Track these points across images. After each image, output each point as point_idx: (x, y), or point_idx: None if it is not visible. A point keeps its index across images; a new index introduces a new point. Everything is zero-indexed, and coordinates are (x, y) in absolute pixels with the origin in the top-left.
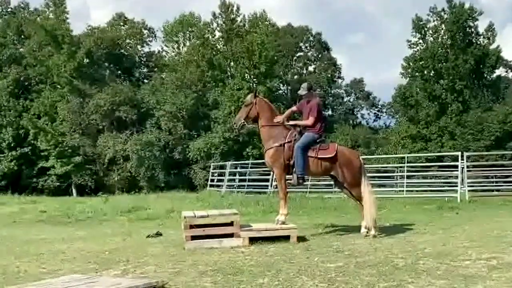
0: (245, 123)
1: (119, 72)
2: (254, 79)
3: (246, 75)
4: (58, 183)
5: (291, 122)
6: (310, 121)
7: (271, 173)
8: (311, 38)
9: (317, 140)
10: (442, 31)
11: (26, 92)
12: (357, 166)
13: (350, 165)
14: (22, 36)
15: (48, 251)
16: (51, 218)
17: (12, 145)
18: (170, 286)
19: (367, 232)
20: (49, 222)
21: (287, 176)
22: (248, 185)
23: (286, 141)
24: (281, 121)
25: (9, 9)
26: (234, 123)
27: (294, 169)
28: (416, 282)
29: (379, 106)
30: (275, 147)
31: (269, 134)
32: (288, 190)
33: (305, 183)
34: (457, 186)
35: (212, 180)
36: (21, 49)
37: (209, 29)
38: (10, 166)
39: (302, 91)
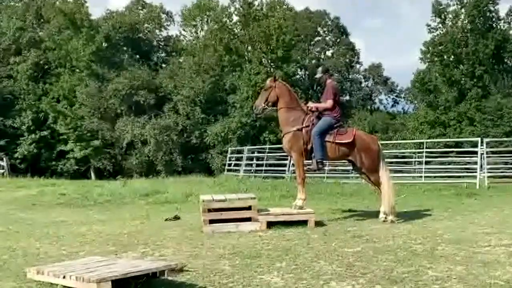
0: (266, 107)
1: (137, 56)
2: (272, 64)
3: (263, 59)
4: (76, 167)
5: (311, 105)
6: (329, 103)
7: (289, 158)
8: (329, 23)
9: (335, 125)
10: (462, 15)
11: (45, 75)
12: (375, 151)
13: (368, 150)
14: (42, 20)
15: (67, 233)
16: (70, 201)
17: (31, 128)
18: (188, 268)
19: (385, 218)
20: (68, 205)
21: (306, 162)
22: (265, 170)
23: (304, 125)
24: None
25: None
26: (254, 108)
27: (313, 154)
28: (435, 267)
29: (397, 92)
30: (293, 132)
31: (287, 118)
32: (306, 175)
33: (324, 168)
34: (476, 172)
35: (230, 165)
36: (40, 33)
37: (226, 13)
38: (29, 149)
39: (318, 74)
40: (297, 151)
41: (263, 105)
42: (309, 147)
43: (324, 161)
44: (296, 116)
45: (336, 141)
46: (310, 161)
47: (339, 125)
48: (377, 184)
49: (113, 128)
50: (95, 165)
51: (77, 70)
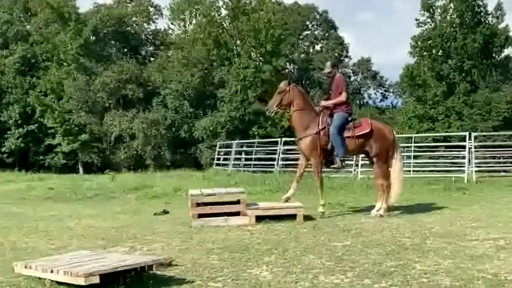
0: (278, 110)
1: (126, 50)
2: (261, 58)
3: (252, 53)
4: (65, 161)
5: (324, 103)
6: (343, 96)
7: (277, 152)
8: (317, 17)
9: (349, 118)
10: (451, 10)
11: (33, 69)
12: (390, 141)
13: (384, 140)
14: (29, 13)
15: (56, 228)
16: (59, 195)
17: (19, 122)
18: (177, 263)
19: (377, 211)
20: (57, 199)
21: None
22: (254, 164)
23: (321, 127)
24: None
25: None
26: (267, 109)
27: (335, 152)
28: (423, 261)
29: (386, 86)
30: (311, 136)
31: (302, 122)
32: (294, 169)
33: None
34: (464, 166)
35: (218, 159)
36: (27, 26)
37: (215, 7)
38: (17, 144)
39: (326, 69)
40: (316, 155)
41: (276, 108)
42: (329, 147)
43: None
44: (310, 119)
45: (356, 134)
46: (334, 160)
47: (352, 118)
48: (383, 177)
49: (101, 122)
50: (83, 159)
51: (65, 63)
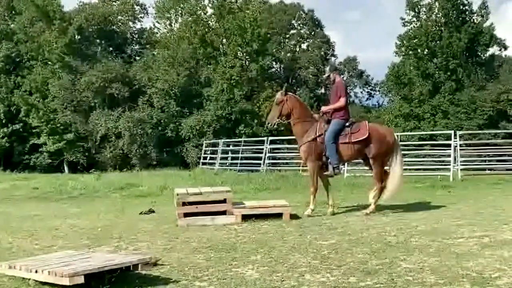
0: (279, 121)
1: (111, 49)
2: (247, 57)
3: (238, 52)
4: (50, 160)
5: (324, 109)
6: (342, 101)
7: (264, 151)
8: (303, 16)
9: (346, 124)
10: (436, 8)
11: (18, 68)
12: (390, 144)
13: (383, 142)
14: (13, 12)
15: (41, 227)
16: (44, 195)
17: (3, 121)
18: (163, 262)
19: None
20: (42, 198)
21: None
22: (240, 163)
23: (317, 134)
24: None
25: None
26: (268, 123)
27: (329, 160)
28: (409, 259)
29: (373, 85)
30: (307, 143)
31: (302, 130)
32: (281, 168)
33: (340, 172)
34: (449, 164)
35: (205, 158)
36: (12, 25)
37: (200, 5)
38: (1, 143)
39: (326, 73)
40: (313, 161)
41: (277, 119)
42: (326, 153)
43: (340, 165)
44: (310, 127)
45: (352, 140)
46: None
47: (350, 123)
48: (377, 179)
49: (86, 121)
50: (68, 159)
51: (50, 62)
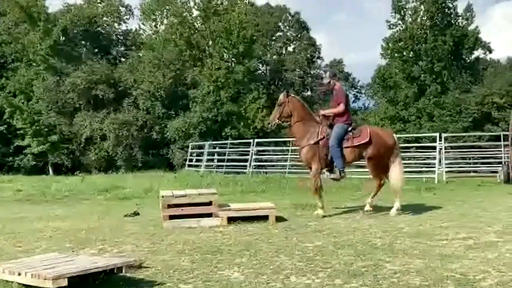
0: (280, 122)
1: (96, 50)
2: (233, 59)
3: (224, 54)
4: (34, 162)
5: (322, 112)
6: (341, 107)
7: (250, 153)
8: (290, 18)
9: (349, 129)
10: (421, 11)
11: (2, 70)
12: (390, 146)
13: (382, 145)
14: None
15: (24, 230)
16: (28, 197)
17: None
18: (147, 265)
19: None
20: (25, 201)
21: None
22: (226, 165)
23: (320, 137)
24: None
25: None
26: (269, 123)
27: (334, 164)
28: (394, 261)
29: (358, 87)
30: (310, 145)
31: (302, 132)
32: (267, 170)
33: (345, 175)
34: (435, 167)
35: (191, 160)
36: None
37: (186, 7)
38: None
39: (325, 80)
40: (315, 164)
41: (277, 120)
42: (329, 156)
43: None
44: (311, 129)
45: (355, 144)
46: (333, 170)
47: (352, 128)
48: (376, 179)
49: (71, 123)
50: (53, 161)
51: (34, 64)
